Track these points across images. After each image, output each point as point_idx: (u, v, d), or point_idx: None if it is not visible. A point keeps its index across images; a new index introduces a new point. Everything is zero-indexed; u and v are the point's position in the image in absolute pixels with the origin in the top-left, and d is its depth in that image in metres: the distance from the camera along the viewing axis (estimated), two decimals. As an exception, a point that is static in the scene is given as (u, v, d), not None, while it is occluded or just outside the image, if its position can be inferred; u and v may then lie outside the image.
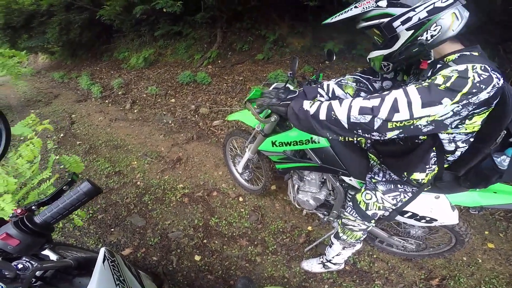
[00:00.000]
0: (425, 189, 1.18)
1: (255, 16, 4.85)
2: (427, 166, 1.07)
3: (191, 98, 4.12)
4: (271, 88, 1.54)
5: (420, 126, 0.85)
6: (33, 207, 0.72)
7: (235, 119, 1.99)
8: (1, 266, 0.66)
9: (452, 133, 0.95)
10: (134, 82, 5.05)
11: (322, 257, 1.75)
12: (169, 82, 4.69)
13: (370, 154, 1.34)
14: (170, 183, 2.61)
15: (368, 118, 0.87)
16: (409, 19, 0.90)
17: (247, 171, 2.19)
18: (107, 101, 4.80)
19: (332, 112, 0.94)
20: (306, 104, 1.02)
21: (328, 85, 1.37)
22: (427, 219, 1.31)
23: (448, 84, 0.80)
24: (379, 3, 0.94)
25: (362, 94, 1.34)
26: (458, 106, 0.81)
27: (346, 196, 1.58)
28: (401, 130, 0.87)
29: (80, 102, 5.03)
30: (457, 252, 1.63)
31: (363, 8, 0.97)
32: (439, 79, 0.83)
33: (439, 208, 1.28)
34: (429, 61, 0.97)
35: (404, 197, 1.24)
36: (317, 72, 1.62)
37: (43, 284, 0.75)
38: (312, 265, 1.78)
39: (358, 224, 1.38)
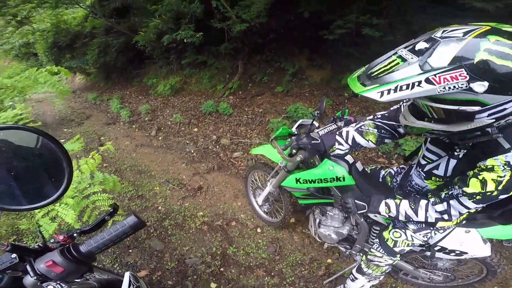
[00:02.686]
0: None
1: (274, 48, 5.06)
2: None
3: (213, 128, 4.30)
4: (296, 125, 1.63)
5: None
6: (74, 235, 0.73)
7: (259, 153, 2.06)
8: None
9: None
10: (160, 109, 5.33)
11: None
12: (192, 111, 4.92)
13: (398, 196, 1.34)
14: (191, 210, 2.69)
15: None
16: (502, 110, 0.71)
17: (267, 203, 2.24)
18: (134, 126, 5.07)
19: (411, 219, 1.11)
20: (382, 209, 1.17)
21: (347, 132, 1.34)
22: (457, 252, 1.31)
23: (500, 188, 0.84)
24: (474, 86, 0.66)
25: (387, 140, 1.32)
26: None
27: (370, 231, 1.58)
28: None
29: (109, 125, 5.34)
30: (488, 282, 1.58)
31: (444, 88, 0.68)
32: (490, 186, 0.84)
33: (469, 242, 1.28)
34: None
35: (435, 234, 1.27)
36: (342, 108, 1.67)
37: None
38: None
39: (385, 260, 1.39)
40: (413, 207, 1.08)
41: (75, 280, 0.80)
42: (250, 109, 4.51)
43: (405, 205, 1.10)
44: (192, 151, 3.87)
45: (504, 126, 0.79)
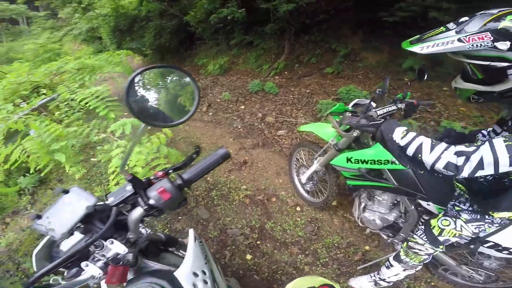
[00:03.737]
0: None
1: (324, 29, 4.86)
2: None
3: (259, 106, 4.36)
4: (352, 103, 1.59)
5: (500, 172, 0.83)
6: (170, 171, 0.81)
7: (307, 131, 2.02)
8: (131, 228, 0.73)
9: None
10: (210, 87, 5.54)
11: (375, 275, 1.70)
12: (240, 90, 5.03)
13: (457, 184, 1.29)
14: (235, 183, 2.82)
15: (450, 173, 0.89)
16: None
17: (310, 182, 2.24)
18: (187, 102, 5.41)
19: (419, 155, 0.94)
20: (397, 135, 1.00)
21: None
22: (511, 250, 1.20)
23: None
24: (498, 45, 0.82)
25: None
26: None
27: (419, 221, 1.50)
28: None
29: (165, 101, 5.78)
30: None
31: (472, 45, 0.85)
32: None
33: None
34: None
35: (489, 227, 1.16)
36: (404, 91, 1.60)
37: (140, 254, 0.83)
38: (362, 283, 1.74)
39: (426, 249, 1.33)
40: (434, 142, 0.93)
41: (149, 232, 0.94)
42: (296, 90, 4.44)
43: (424, 140, 0.95)
44: (239, 127, 4.00)
45: None
